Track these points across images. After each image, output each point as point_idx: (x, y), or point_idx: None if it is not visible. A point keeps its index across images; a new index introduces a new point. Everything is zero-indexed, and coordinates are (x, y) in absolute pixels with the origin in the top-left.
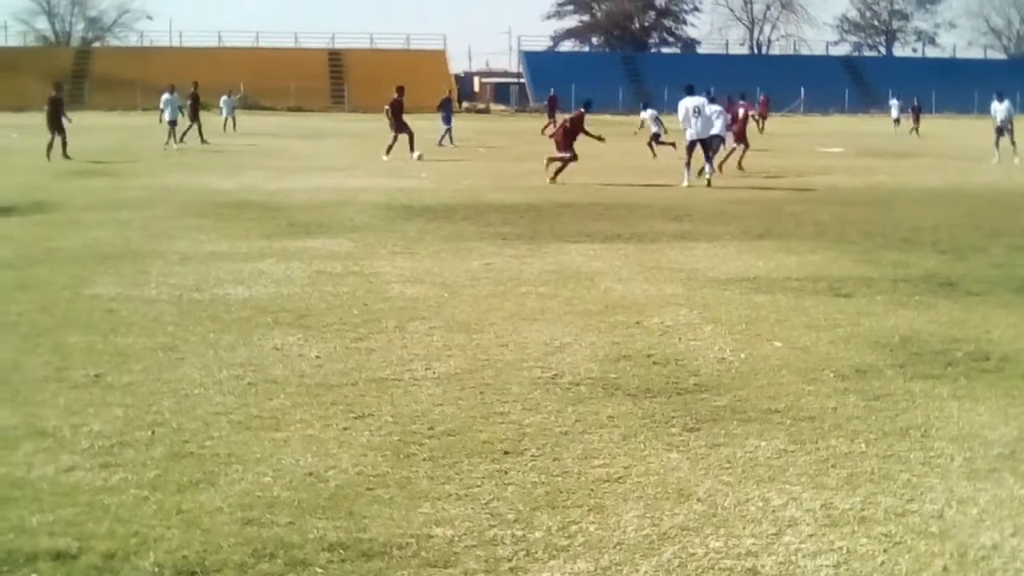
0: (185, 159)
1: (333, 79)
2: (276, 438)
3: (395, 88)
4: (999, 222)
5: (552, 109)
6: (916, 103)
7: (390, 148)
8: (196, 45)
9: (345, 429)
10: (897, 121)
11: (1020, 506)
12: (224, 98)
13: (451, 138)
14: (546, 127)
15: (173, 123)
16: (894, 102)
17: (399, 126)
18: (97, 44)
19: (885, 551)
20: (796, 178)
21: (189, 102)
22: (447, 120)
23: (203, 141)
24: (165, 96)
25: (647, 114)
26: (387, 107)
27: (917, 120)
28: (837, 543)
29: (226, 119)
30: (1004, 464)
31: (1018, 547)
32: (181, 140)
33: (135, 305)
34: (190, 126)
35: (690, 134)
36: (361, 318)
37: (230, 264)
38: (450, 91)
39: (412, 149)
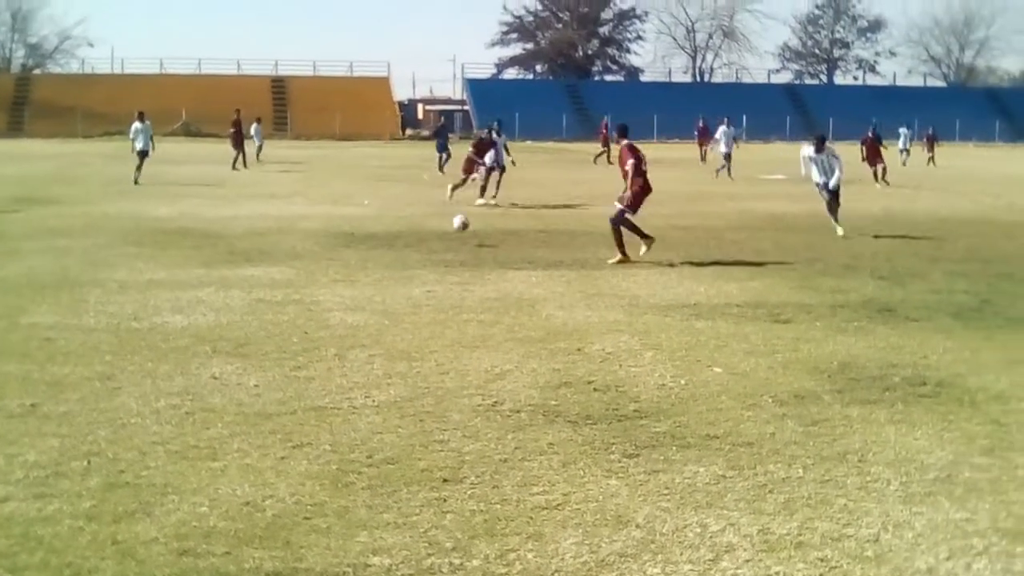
0: (124, 188)
1: (276, 106)
2: (213, 467)
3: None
4: (937, 248)
5: (606, 137)
6: (931, 132)
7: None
8: (138, 72)
9: (283, 458)
10: (905, 151)
11: (955, 530)
12: (255, 126)
13: (441, 166)
14: (600, 155)
15: (144, 154)
16: (903, 131)
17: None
18: (37, 71)
19: (821, 575)
20: (737, 204)
21: (232, 130)
22: (442, 148)
23: (240, 167)
24: (135, 125)
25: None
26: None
27: (932, 149)
28: (774, 568)
29: (259, 147)
30: (940, 488)
31: (952, 570)
32: (234, 167)
33: (72, 334)
34: (237, 155)
35: None
36: (301, 346)
37: (169, 292)
38: (443, 119)
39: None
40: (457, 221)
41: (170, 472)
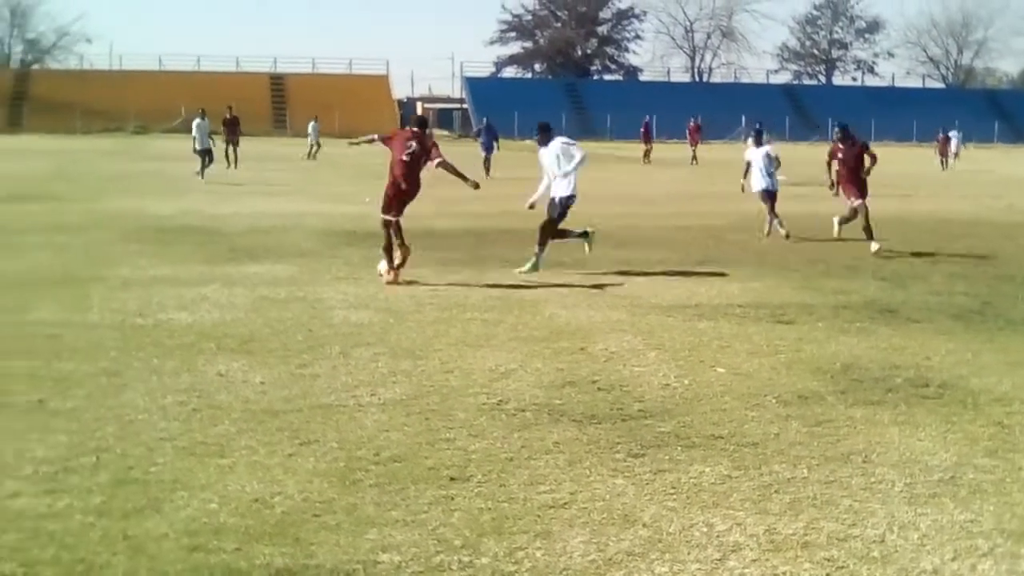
0: (125, 184)
1: (275, 103)
2: (221, 464)
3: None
4: (938, 250)
5: (648, 136)
6: (943, 135)
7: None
8: (136, 68)
9: (291, 455)
10: (955, 155)
11: (960, 531)
12: (312, 124)
13: (488, 167)
14: (646, 155)
15: (206, 152)
16: (954, 134)
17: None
18: (36, 67)
19: (828, 575)
20: (737, 205)
21: (224, 128)
22: (488, 147)
23: (233, 166)
24: (196, 121)
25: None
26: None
27: (946, 152)
28: (781, 568)
29: (312, 145)
30: (944, 489)
31: (958, 571)
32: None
33: (77, 330)
34: (226, 150)
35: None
36: (305, 344)
37: (172, 289)
38: (486, 118)
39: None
40: None
41: (179, 468)
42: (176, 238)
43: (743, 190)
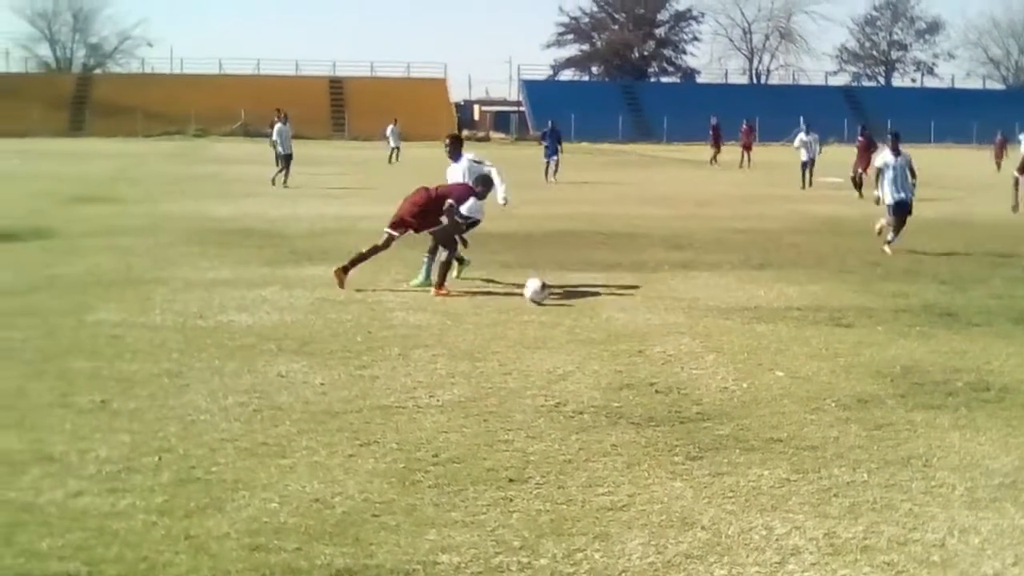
0: (186, 187)
1: (334, 106)
2: (282, 464)
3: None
4: (998, 253)
5: (717, 138)
6: (1001, 136)
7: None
8: (197, 72)
9: (350, 456)
10: None
11: (1021, 535)
12: (391, 127)
13: (555, 171)
14: (713, 158)
15: (288, 157)
16: (1023, 136)
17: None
18: (98, 71)
19: None
20: (794, 207)
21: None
22: (552, 152)
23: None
24: (277, 126)
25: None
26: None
27: (1001, 155)
28: (840, 572)
29: (392, 149)
30: (1005, 493)
31: None
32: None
33: (139, 332)
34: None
35: None
36: (364, 345)
37: (233, 291)
38: (551, 121)
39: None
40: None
41: (240, 468)
42: (236, 240)
43: (878, 203)
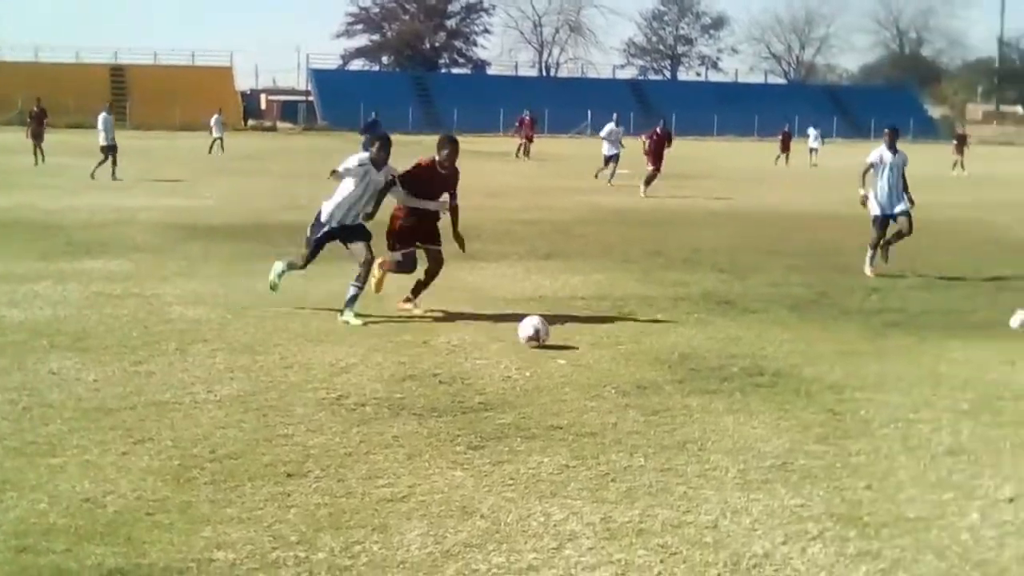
0: None
1: (116, 95)
2: (52, 464)
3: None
4: (777, 243)
5: (528, 128)
6: (787, 130)
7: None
8: None
9: (124, 454)
10: (814, 151)
11: (791, 515)
12: (215, 117)
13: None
14: (522, 149)
15: (112, 148)
16: (812, 130)
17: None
18: None
19: (662, 562)
20: (585, 198)
21: (31, 121)
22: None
23: (39, 160)
24: (102, 115)
25: None
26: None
27: (787, 149)
28: (616, 555)
29: (215, 140)
30: (776, 475)
31: (788, 554)
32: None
33: None
34: (34, 147)
35: None
36: (141, 340)
37: (3, 286)
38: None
39: None
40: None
41: (8, 468)
42: (8, 232)
43: (864, 203)
